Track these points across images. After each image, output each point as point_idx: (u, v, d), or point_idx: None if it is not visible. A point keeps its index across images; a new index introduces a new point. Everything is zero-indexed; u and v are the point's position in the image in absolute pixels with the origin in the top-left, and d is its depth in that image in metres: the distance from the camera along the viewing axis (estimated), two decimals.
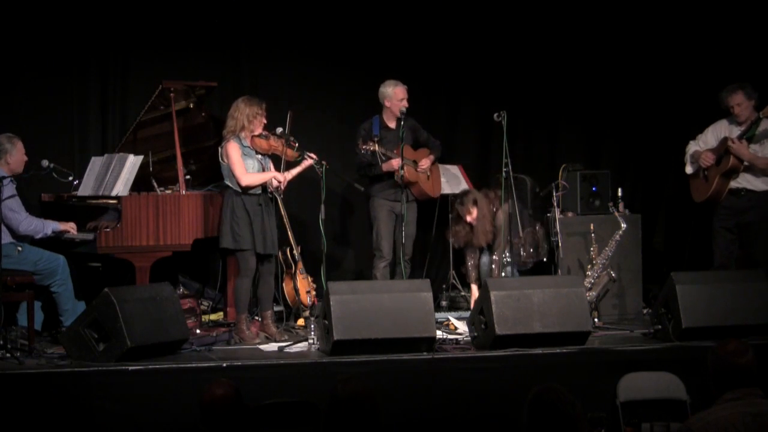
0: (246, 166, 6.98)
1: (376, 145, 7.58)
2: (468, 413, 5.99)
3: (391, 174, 7.69)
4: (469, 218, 7.77)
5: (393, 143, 7.72)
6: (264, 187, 7.07)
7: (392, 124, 7.82)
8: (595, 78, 9.20)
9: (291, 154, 7.18)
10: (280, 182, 7.05)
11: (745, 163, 7.53)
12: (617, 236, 7.73)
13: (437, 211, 8.40)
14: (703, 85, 8.83)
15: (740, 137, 7.55)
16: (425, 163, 7.83)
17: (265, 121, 7.07)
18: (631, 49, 9.19)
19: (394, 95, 7.76)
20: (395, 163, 7.61)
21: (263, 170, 7.11)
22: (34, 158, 7.20)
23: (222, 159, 7.04)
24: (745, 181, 7.60)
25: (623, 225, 7.75)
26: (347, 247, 8.87)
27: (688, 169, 7.87)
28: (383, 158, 7.65)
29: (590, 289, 7.53)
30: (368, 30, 8.83)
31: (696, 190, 7.86)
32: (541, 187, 8.22)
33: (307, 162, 7.16)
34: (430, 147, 7.97)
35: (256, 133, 7.02)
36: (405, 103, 7.74)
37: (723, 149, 7.60)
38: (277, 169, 7.18)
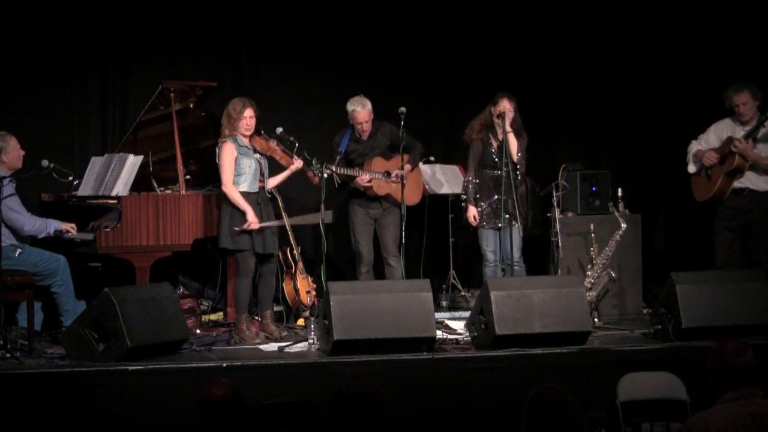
0: (242, 166, 6.98)
1: (333, 169, 7.47)
2: (468, 413, 5.99)
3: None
4: (502, 108, 7.47)
5: (365, 155, 7.74)
6: (263, 186, 7.09)
7: (365, 136, 7.78)
8: (595, 78, 9.19)
9: (287, 160, 7.20)
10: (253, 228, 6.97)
11: (750, 163, 7.54)
12: (617, 236, 7.73)
13: (427, 212, 8.38)
14: (703, 85, 8.83)
15: (746, 137, 7.55)
16: (397, 173, 7.69)
17: (251, 122, 7.01)
18: (632, 49, 9.19)
19: (353, 118, 7.70)
20: (363, 180, 7.62)
21: (261, 170, 7.10)
22: (34, 158, 7.19)
23: (217, 159, 7.05)
24: (747, 181, 7.61)
25: (623, 225, 7.75)
26: (347, 247, 8.85)
27: (691, 168, 7.87)
28: (339, 182, 7.60)
29: (590, 289, 7.52)
30: (368, 30, 8.84)
31: (698, 190, 7.85)
32: (541, 187, 8.21)
33: (293, 167, 7.18)
34: (409, 152, 7.83)
35: (246, 133, 7.00)
36: (364, 127, 7.67)
37: (727, 149, 7.60)
38: (276, 170, 7.19)
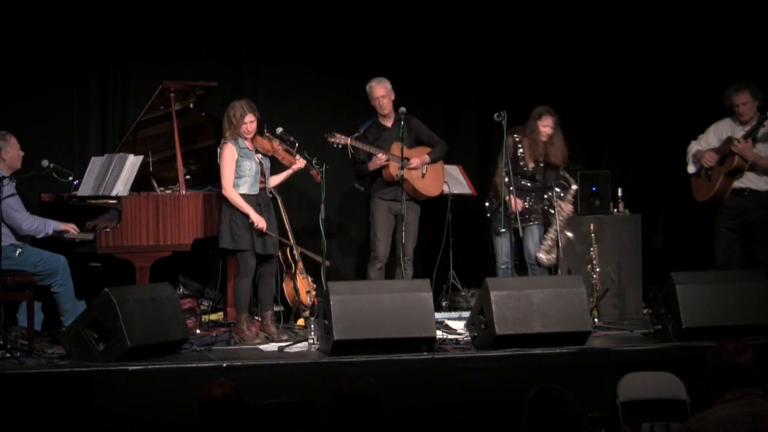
0: (243, 168, 6.96)
1: (348, 140, 7.49)
2: (468, 413, 5.99)
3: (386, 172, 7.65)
4: (548, 130, 7.66)
5: (388, 142, 7.68)
6: (264, 187, 7.08)
7: (387, 123, 7.76)
8: (595, 78, 9.20)
9: (289, 160, 7.21)
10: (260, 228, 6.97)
11: (749, 163, 7.54)
12: (569, 196, 7.73)
13: (448, 211, 8.37)
14: (703, 84, 8.83)
15: (745, 137, 7.55)
16: (415, 161, 7.66)
17: (251, 126, 7.00)
18: (632, 49, 9.19)
19: (370, 95, 7.72)
20: (380, 160, 7.58)
21: (262, 171, 7.09)
22: (34, 158, 7.20)
23: (218, 160, 7.04)
24: (748, 181, 7.61)
25: (574, 186, 7.76)
26: (347, 247, 8.87)
27: (691, 169, 7.87)
28: (353, 152, 7.58)
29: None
30: (368, 29, 8.84)
31: (698, 190, 7.85)
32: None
33: (295, 167, 7.19)
34: (432, 146, 7.86)
35: (247, 136, 6.99)
36: (381, 102, 7.66)
37: (727, 149, 7.60)
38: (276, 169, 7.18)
